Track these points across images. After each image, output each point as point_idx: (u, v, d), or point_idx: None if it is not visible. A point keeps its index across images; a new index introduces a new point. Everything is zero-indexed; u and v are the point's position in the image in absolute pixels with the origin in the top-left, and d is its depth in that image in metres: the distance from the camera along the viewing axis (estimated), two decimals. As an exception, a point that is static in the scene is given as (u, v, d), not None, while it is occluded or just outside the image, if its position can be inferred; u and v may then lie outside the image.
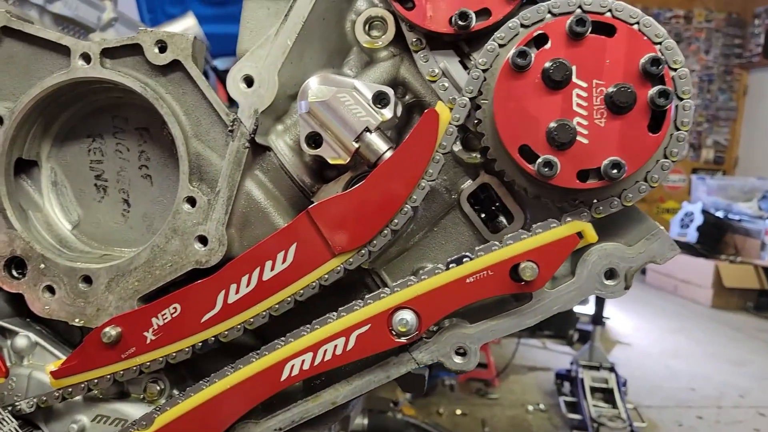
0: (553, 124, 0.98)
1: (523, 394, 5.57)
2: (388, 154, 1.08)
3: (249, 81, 1.13)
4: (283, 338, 1.12)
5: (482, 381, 5.64)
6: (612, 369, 5.26)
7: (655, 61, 0.95)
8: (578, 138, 0.98)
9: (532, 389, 5.67)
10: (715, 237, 8.91)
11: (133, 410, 1.19)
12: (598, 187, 1.01)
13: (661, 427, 5.02)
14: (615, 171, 0.97)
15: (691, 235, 9.02)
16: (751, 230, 8.66)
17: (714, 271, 8.35)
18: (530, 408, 5.26)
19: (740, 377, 6.07)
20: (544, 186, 1.04)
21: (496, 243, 1.06)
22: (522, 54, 0.98)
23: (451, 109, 1.07)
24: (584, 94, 0.98)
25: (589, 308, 6.33)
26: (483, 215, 1.22)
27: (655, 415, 5.19)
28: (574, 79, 0.98)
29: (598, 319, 5.72)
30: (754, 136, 11.06)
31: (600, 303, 5.72)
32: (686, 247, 8.89)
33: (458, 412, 5.13)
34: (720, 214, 9.09)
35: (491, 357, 5.70)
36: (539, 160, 0.98)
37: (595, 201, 1.04)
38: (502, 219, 1.22)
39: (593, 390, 5.10)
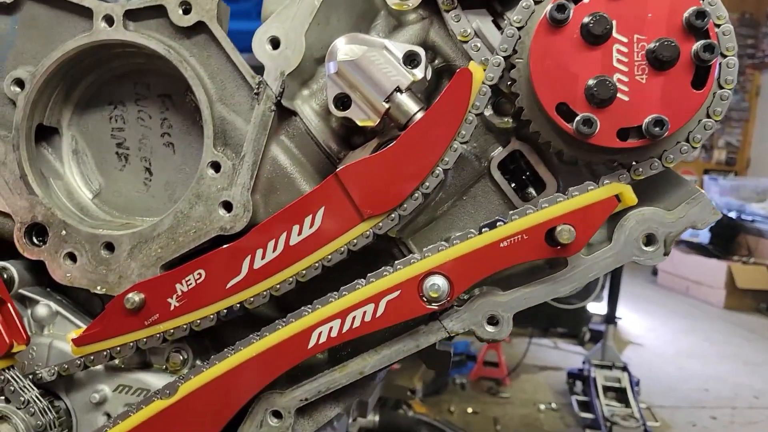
0: (591, 81, 0.95)
1: (535, 393, 5.53)
2: (419, 116, 1.05)
3: (275, 42, 1.11)
4: (309, 305, 1.08)
5: (493, 380, 5.59)
6: (625, 368, 5.21)
7: (700, 14, 0.92)
8: (618, 95, 0.95)
9: (543, 388, 5.62)
10: (727, 238, 8.83)
11: (155, 380, 1.16)
12: (638, 147, 0.98)
13: (674, 428, 4.96)
14: (658, 129, 0.93)
15: (704, 236, 8.95)
16: (764, 231, 8.58)
17: (727, 272, 8.26)
18: (542, 407, 5.21)
19: (755, 378, 5.99)
20: (582, 146, 1.00)
21: (531, 207, 1.03)
22: (560, 8, 0.94)
23: (484, 69, 1.04)
24: (625, 50, 0.95)
25: (601, 307, 6.28)
26: (512, 184, 1.19)
27: (668, 415, 5.13)
28: (614, 33, 0.94)
29: (610, 318, 5.67)
30: (766, 136, 10.97)
31: (613, 302, 5.67)
32: (699, 248, 8.81)
33: (469, 410, 5.09)
34: (733, 214, 9.01)
35: (502, 356, 5.66)
36: (578, 118, 0.95)
37: (634, 162, 1.01)
38: (531, 190, 1.19)
39: (606, 389, 5.05)
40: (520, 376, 5.80)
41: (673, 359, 6.47)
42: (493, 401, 5.30)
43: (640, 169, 1.01)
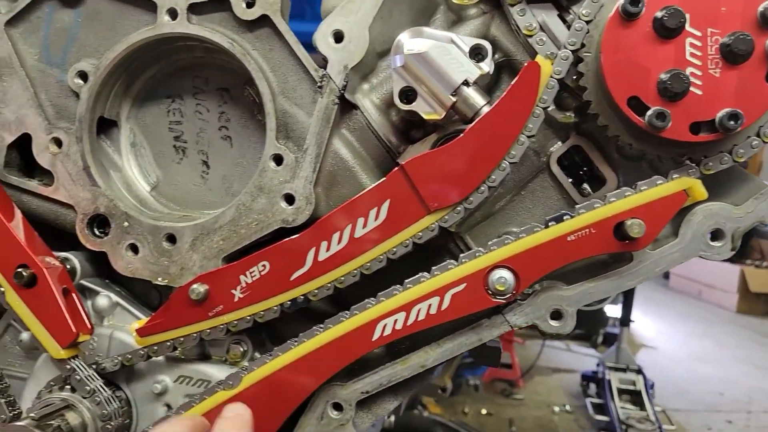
0: (664, 75, 0.95)
1: (549, 395, 5.52)
2: (486, 109, 1.05)
3: (339, 36, 1.11)
4: (373, 298, 1.09)
5: (507, 381, 5.59)
6: (639, 371, 5.20)
7: (776, 8, 0.92)
8: (691, 89, 0.95)
9: (557, 390, 5.62)
10: (741, 241, 8.79)
11: (216, 372, 1.16)
12: (710, 142, 0.98)
13: (689, 431, 4.95)
14: (732, 122, 0.93)
15: (716, 239, 8.91)
16: (777, 235, 8.55)
17: (740, 275, 8.24)
18: (556, 409, 5.21)
19: (769, 382, 5.96)
20: (652, 140, 1.01)
21: (598, 200, 1.03)
22: (634, 1, 0.95)
23: (551, 63, 1.04)
24: (698, 44, 0.95)
25: (615, 310, 6.27)
26: (570, 180, 1.19)
27: (683, 418, 5.12)
28: (687, 27, 0.95)
29: (625, 320, 5.67)
30: (778, 140, 10.91)
31: (628, 304, 5.66)
32: (710, 252, 8.78)
33: (483, 411, 5.09)
34: (746, 218, 8.96)
35: (516, 358, 5.66)
36: (650, 111, 0.95)
37: (704, 157, 1.01)
38: (587, 186, 1.19)
39: (620, 392, 5.05)
40: (533, 377, 5.79)
41: (687, 363, 6.46)
42: (507, 403, 5.30)
43: (710, 164, 1.01)
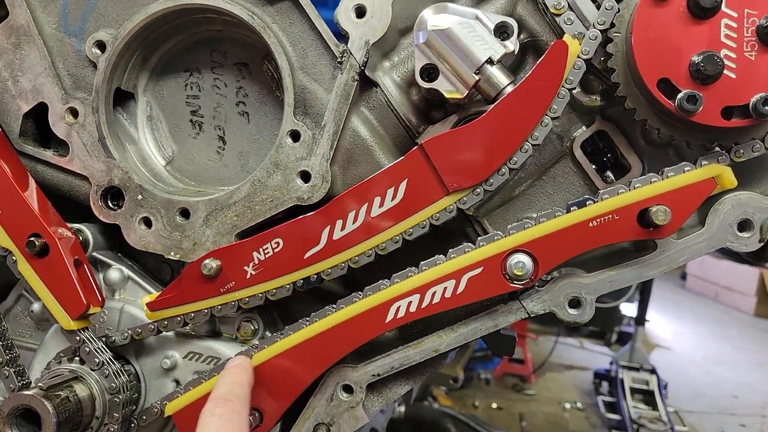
0: (697, 57, 0.91)
1: (560, 391, 5.48)
2: (509, 89, 1.02)
3: (361, 11, 1.09)
4: (387, 279, 1.07)
5: (518, 377, 5.57)
6: (653, 371, 5.15)
7: (818, -11, 0.88)
8: (725, 72, 0.91)
9: (569, 387, 5.58)
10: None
11: (226, 349, 1.15)
12: (742, 127, 0.94)
13: (702, 433, 4.89)
14: (767, 108, 0.89)
15: (736, 241, 8.77)
16: (798, 239, 8.39)
17: (759, 278, 8.11)
18: (567, 406, 5.17)
19: (786, 387, 5.87)
20: (681, 125, 0.97)
21: (623, 186, 1.00)
22: (669, -21, 0.91)
23: (579, 43, 1.00)
24: (734, 25, 0.91)
25: (631, 309, 6.21)
26: (593, 167, 1.15)
27: (696, 420, 5.06)
28: (723, 8, 0.91)
29: (640, 319, 5.60)
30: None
31: (644, 303, 5.60)
32: (730, 254, 8.63)
33: (494, 405, 5.07)
34: (767, 221, 8.81)
35: (528, 353, 5.62)
36: (681, 94, 0.91)
37: (735, 143, 0.97)
38: (610, 173, 1.16)
39: (633, 391, 5.00)
40: (545, 374, 5.76)
41: (702, 365, 6.37)
42: (518, 398, 5.27)
43: (741, 151, 0.97)
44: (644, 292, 5.60)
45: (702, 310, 8.39)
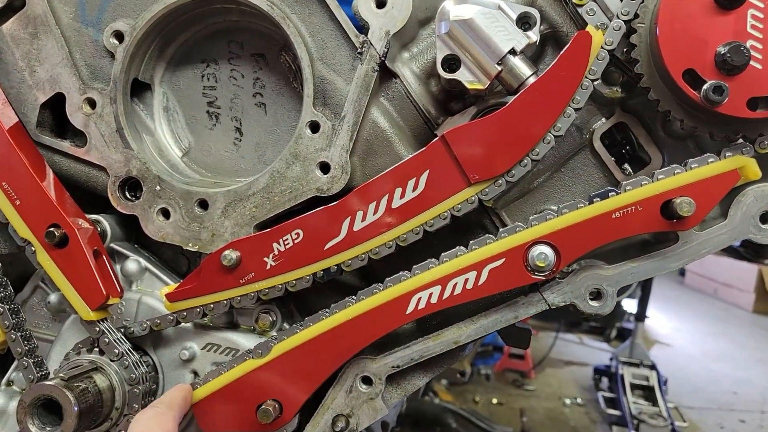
0: (722, 48, 0.91)
1: (560, 387, 5.49)
2: (531, 80, 1.02)
3: (381, 1, 1.08)
4: (408, 271, 1.06)
5: (519, 372, 5.57)
6: (653, 367, 5.15)
7: None
8: (751, 62, 0.91)
9: (569, 383, 5.59)
10: (759, 241, 8.66)
11: (244, 341, 1.15)
12: (767, 119, 0.94)
13: (702, 429, 4.91)
14: (793, 98, 0.89)
15: (735, 238, 8.79)
16: (797, 235, 8.40)
17: (757, 275, 8.12)
18: (567, 401, 5.18)
19: (786, 383, 5.88)
20: (705, 116, 0.97)
21: (646, 177, 1.00)
22: (695, -31, 0.91)
23: (602, 33, 1.00)
24: (760, 15, 0.91)
25: (631, 304, 6.22)
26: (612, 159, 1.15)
27: (696, 416, 5.07)
28: (750, -2, 0.91)
29: (641, 315, 5.61)
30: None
31: (644, 299, 5.61)
32: (729, 250, 8.66)
33: (494, 401, 5.08)
34: (766, 217, 8.83)
35: (528, 349, 5.63)
36: (707, 85, 0.91)
37: (760, 135, 0.97)
38: (628, 166, 1.16)
39: (633, 387, 5.00)
40: (545, 369, 5.76)
41: (701, 361, 6.39)
42: (518, 393, 5.28)
43: (766, 143, 0.97)
44: (645, 289, 5.61)
45: (701, 307, 8.41)
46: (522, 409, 4.92)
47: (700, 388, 5.66)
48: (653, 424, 4.45)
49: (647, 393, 4.94)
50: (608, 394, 5.00)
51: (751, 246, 8.68)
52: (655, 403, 4.77)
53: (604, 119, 1.14)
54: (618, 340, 6.41)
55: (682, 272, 9.49)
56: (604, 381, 5.30)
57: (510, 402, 5.09)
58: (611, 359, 5.39)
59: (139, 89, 1.24)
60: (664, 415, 4.56)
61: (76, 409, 0.97)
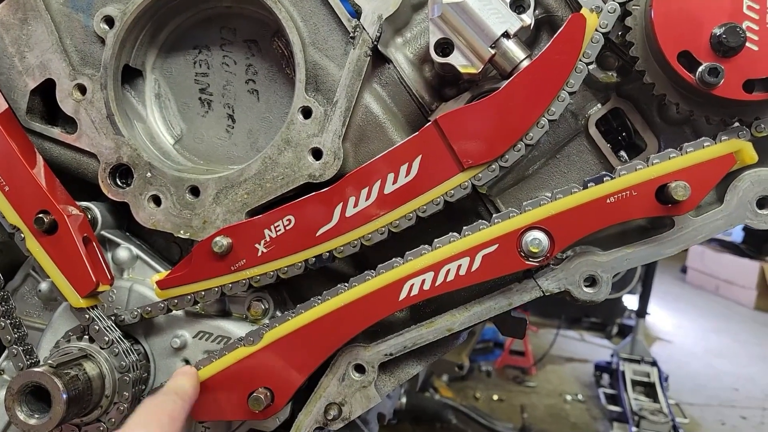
0: (718, 29, 0.90)
1: (561, 383, 5.48)
2: (525, 64, 1.01)
3: (374, -15, 1.07)
4: (400, 257, 1.05)
5: (519, 369, 5.56)
6: (654, 363, 5.14)
7: (844, -42, 0.86)
8: (747, 44, 0.90)
9: (569, 379, 5.58)
10: (761, 237, 8.63)
11: (236, 329, 1.14)
12: (764, 101, 0.92)
13: (703, 425, 4.89)
14: (790, 80, 0.88)
15: (737, 235, 8.78)
16: (799, 232, 8.39)
17: (759, 272, 8.10)
18: (568, 398, 5.17)
19: (787, 380, 5.86)
20: (701, 99, 0.96)
21: (641, 162, 0.98)
22: (690, -51, 0.89)
23: (597, 16, 0.99)
24: (757, -4, 0.90)
25: (632, 301, 6.21)
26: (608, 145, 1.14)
27: (697, 412, 5.06)
28: (746, -22, 0.89)
29: (642, 312, 5.60)
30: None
31: (645, 295, 5.59)
32: (731, 247, 8.65)
33: (495, 397, 5.07)
34: (768, 214, 8.80)
35: (529, 345, 5.62)
36: (702, 67, 0.90)
37: (756, 118, 0.96)
38: (623, 153, 1.15)
39: (634, 383, 4.99)
40: (546, 366, 5.75)
41: (702, 357, 6.37)
42: (519, 390, 5.27)
43: (763, 126, 0.96)
44: (646, 285, 5.59)
45: (702, 304, 8.39)
46: (522, 406, 4.91)
47: (702, 384, 5.64)
48: (654, 420, 4.44)
49: (648, 389, 4.93)
50: (609, 391, 4.99)
51: (753, 242, 8.67)
52: (656, 399, 4.76)
53: (599, 105, 1.13)
54: (619, 336, 6.40)
55: (683, 269, 9.47)
56: (605, 377, 5.30)
57: (511, 398, 5.08)
58: (612, 356, 5.38)
59: (130, 75, 1.23)
60: (665, 411, 4.55)
61: (64, 396, 0.96)
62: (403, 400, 3.99)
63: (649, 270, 5.50)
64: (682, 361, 6.13)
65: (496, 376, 5.41)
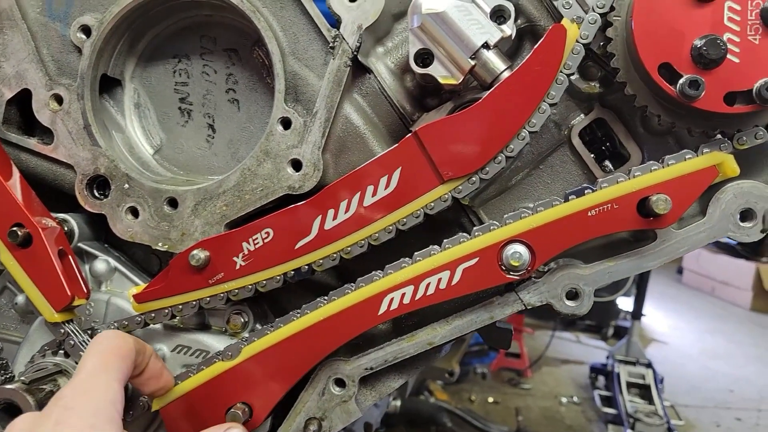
0: (699, 41, 0.88)
1: (556, 386, 5.48)
2: (506, 75, 0.99)
3: (354, -5, 1.05)
4: (380, 270, 1.04)
5: (515, 371, 5.56)
6: (649, 365, 5.15)
7: (825, -30, 0.85)
8: (728, 56, 0.88)
9: (565, 382, 5.57)
10: (757, 239, 8.64)
11: (215, 342, 1.12)
12: (745, 114, 0.91)
13: (698, 427, 4.89)
14: (771, 93, 0.87)
15: (732, 236, 8.77)
16: (795, 233, 8.38)
17: (755, 273, 8.10)
18: (563, 400, 5.17)
19: (782, 381, 5.86)
20: (683, 111, 0.94)
21: (623, 174, 0.97)
22: (670, -40, 0.88)
23: (578, 27, 0.97)
24: (737, 8, 0.88)
25: (627, 303, 6.21)
26: (591, 156, 1.13)
27: (692, 414, 5.05)
28: (727, -10, 0.88)
29: (637, 313, 5.60)
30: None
31: (640, 297, 5.59)
32: (726, 248, 8.65)
33: (490, 399, 5.07)
34: (763, 215, 8.81)
35: (524, 348, 5.62)
36: (683, 79, 0.89)
37: (738, 130, 0.94)
38: (608, 163, 1.13)
39: (629, 385, 5.00)
40: (541, 368, 5.75)
41: (698, 359, 6.37)
42: (514, 392, 5.27)
43: (744, 138, 0.95)
44: (641, 287, 5.59)
45: (698, 305, 8.39)
46: (518, 408, 4.91)
47: (697, 386, 5.64)
48: (649, 422, 4.44)
49: (643, 391, 4.93)
50: (604, 393, 4.99)
51: (749, 244, 8.67)
52: (651, 401, 4.77)
53: (582, 115, 1.12)
54: (614, 338, 6.40)
55: (679, 270, 9.47)
56: (601, 379, 5.30)
57: (506, 401, 5.08)
58: (607, 358, 5.38)
59: (109, 85, 1.21)
60: (660, 413, 4.55)
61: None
62: (398, 403, 3.98)
63: (644, 273, 5.51)
64: (678, 363, 6.13)
65: (492, 378, 5.40)
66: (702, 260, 8.91)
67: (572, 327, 6.73)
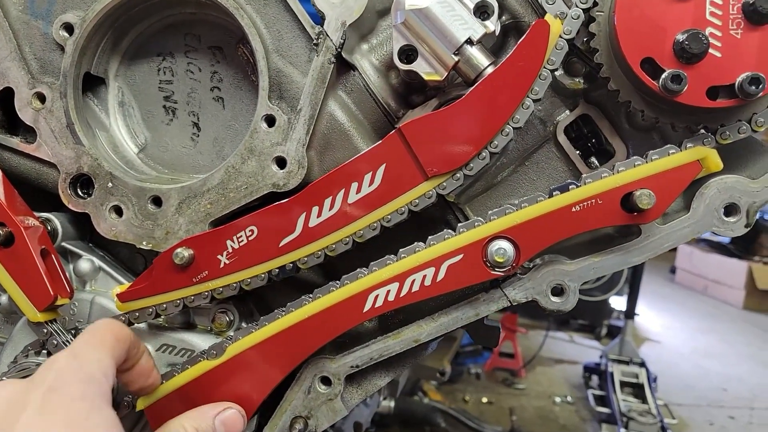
0: (681, 35, 0.88)
1: (550, 385, 5.49)
2: (490, 70, 0.99)
3: (337, -9, 1.05)
4: (365, 267, 1.03)
5: (509, 371, 5.57)
6: (642, 364, 5.16)
7: (806, -36, 0.85)
8: (710, 51, 0.88)
9: (559, 381, 5.58)
10: (749, 238, 8.69)
11: (200, 341, 1.11)
12: (728, 108, 0.91)
13: (691, 426, 4.91)
14: (753, 87, 0.86)
15: (725, 235, 8.82)
16: (786, 232, 8.44)
17: (747, 272, 8.15)
18: (557, 400, 5.18)
19: (774, 380, 5.89)
20: (666, 106, 0.94)
21: (607, 170, 0.97)
22: (652, -45, 0.88)
23: (561, 22, 0.97)
24: (719, 2, 0.88)
25: (620, 302, 6.22)
26: (577, 152, 1.13)
27: (685, 413, 5.07)
28: (708, -16, 0.88)
29: (630, 313, 5.61)
30: (791, 137, 10.77)
31: (633, 296, 5.61)
32: (719, 247, 8.70)
33: (484, 400, 5.07)
34: (755, 215, 8.86)
35: (518, 347, 5.62)
36: (665, 74, 0.89)
37: (721, 125, 0.94)
38: (594, 159, 1.13)
39: (623, 384, 5.01)
40: (535, 368, 5.76)
41: (691, 358, 6.40)
42: (508, 392, 5.27)
43: (728, 133, 0.95)
44: (634, 286, 5.61)
45: (691, 304, 8.43)
46: (512, 408, 4.91)
47: (690, 385, 5.66)
48: (643, 421, 4.45)
49: (637, 390, 4.94)
50: (598, 392, 5.00)
51: (741, 242, 8.72)
52: (644, 400, 4.78)
53: (567, 111, 1.12)
54: (608, 337, 6.42)
55: (672, 269, 9.51)
56: (594, 379, 5.31)
57: (500, 401, 5.08)
58: (601, 357, 5.39)
59: (93, 83, 1.20)
60: (654, 412, 4.57)
61: (19, 414, 0.93)
62: (391, 404, 3.98)
63: (637, 271, 5.52)
64: (671, 362, 6.15)
65: (486, 378, 5.41)
66: (695, 259, 8.96)
67: (566, 327, 6.74)
